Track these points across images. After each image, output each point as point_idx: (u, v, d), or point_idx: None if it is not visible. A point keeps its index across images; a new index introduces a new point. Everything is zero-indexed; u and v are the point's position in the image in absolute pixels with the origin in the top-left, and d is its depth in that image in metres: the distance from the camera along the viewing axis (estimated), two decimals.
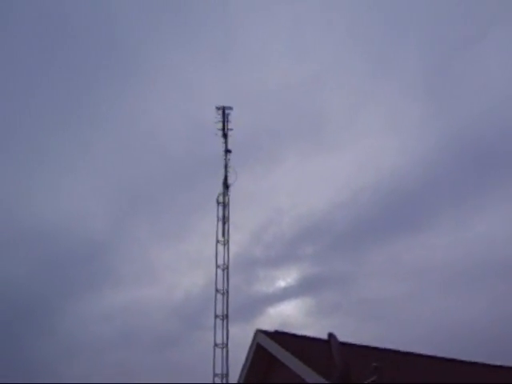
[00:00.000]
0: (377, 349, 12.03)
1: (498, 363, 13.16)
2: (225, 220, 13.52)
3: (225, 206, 13.65)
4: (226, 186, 13.91)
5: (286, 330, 12.35)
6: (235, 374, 12.28)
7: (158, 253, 33.23)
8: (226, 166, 14.18)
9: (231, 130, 14.42)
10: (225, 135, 14.44)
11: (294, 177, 31.60)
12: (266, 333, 11.91)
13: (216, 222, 13.56)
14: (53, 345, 29.78)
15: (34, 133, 32.69)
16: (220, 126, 14.42)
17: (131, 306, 31.23)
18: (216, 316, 12.57)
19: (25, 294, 29.24)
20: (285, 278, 33.15)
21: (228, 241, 13.30)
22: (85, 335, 30.13)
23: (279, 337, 11.73)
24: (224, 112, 14.45)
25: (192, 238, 31.12)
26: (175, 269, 33.21)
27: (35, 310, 29.95)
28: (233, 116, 14.66)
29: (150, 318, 31.15)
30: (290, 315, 32.60)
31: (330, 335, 9.54)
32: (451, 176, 30.82)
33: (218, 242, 13.35)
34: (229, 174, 14.07)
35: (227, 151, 14.33)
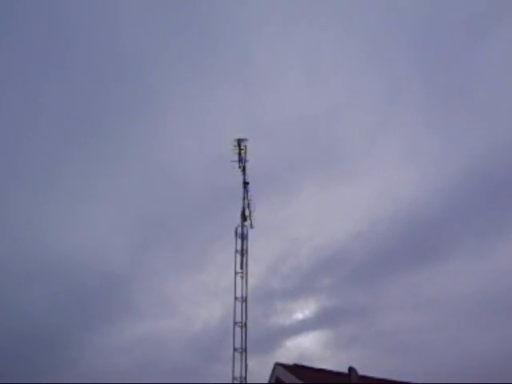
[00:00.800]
0: (395, 382, 11.93)
1: None
2: (243, 252, 13.52)
3: (243, 237, 13.64)
4: (244, 217, 13.84)
5: (303, 362, 12.47)
6: None
7: (177, 284, 33.14)
8: (244, 198, 14.08)
9: (247, 161, 14.48)
10: (243, 168, 14.53)
11: (312, 207, 30.75)
12: (284, 366, 11.95)
13: (234, 254, 13.60)
14: (73, 376, 29.73)
15: (50, 164, 33.06)
16: (236, 157, 14.53)
17: (149, 338, 31.11)
18: (235, 349, 12.46)
19: (45, 327, 29.16)
20: (302, 310, 32.26)
21: (246, 273, 13.27)
22: (104, 366, 30.07)
23: (298, 370, 11.82)
24: (239, 144, 14.52)
25: (210, 270, 30.98)
26: (193, 300, 33.07)
27: (55, 342, 29.94)
28: (250, 147, 14.74)
29: (168, 350, 31.03)
30: (308, 348, 31.78)
31: (351, 369, 9.52)
32: (472, 205, 30.14)
33: (236, 273, 13.30)
34: (246, 206, 14.10)
35: (245, 183, 14.36)
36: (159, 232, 32.64)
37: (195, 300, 32.93)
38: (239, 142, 14.44)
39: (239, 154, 14.52)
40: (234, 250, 13.66)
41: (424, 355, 27.45)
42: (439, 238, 30.41)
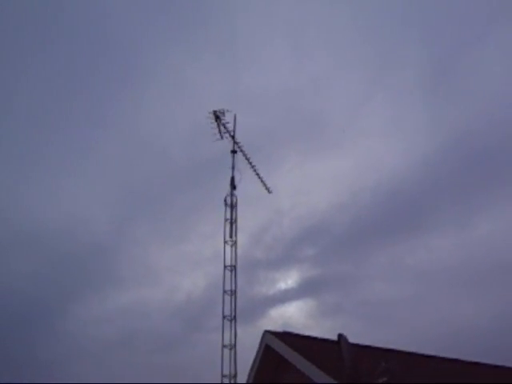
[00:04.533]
0: (385, 349, 12.09)
1: (502, 363, 13.27)
2: (232, 221, 13.51)
3: (232, 206, 13.64)
4: (233, 186, 13.83)
5: (288, 331, 12.37)
6: (242, 375, 12.32)
7: (160, 254, 33.31)
8: (232, 167, 14.09)
9: (225, 132, 14.43)
10: (232, 136, 14.43)
11: (295, 178, 31.10)
12: (274, 333, 11.99)
13: (223, 223, 13.49)
14: (57, 345, 29.78)
15: (32, 135, 32.73)
16: (217, 129, 14.48)
17: (133, 307, 31.28)
18: (224, 317, 12.56)
19: (27, 296, 29.25)
20: (285, 280, 32.85)
21: (236, 241, 13.31)
22: (87, 336, 30.15)
23: (287, 337, 11.88)
24: (216, 116, 14.41)
25: (193, 240, 31.20)
26: (176, 270, 33.28)
27: (38, 311, 30.00)
28: (230, 117, 14.67)
29: (152, 320, 31.19)
30: (292, 317, 32.18)
31: (340, 336, 9.60)
32: (453, 177, 30.48)
33: (225, 242, 13.30)
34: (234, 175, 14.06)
35: (233, 152, 14.30)
36: (142, 202, 32.68)
37: (178, 270, 33.15)
38: (215, 113, 14.33)
39: (218, 125, 14.41)
40: (222, 219, 13.63)
41: (405, 325, 27.92)
42: (421, 210, 30.82)
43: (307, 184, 31.05)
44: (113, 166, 33.53)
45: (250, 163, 14.42)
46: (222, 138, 14.47)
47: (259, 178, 14.52)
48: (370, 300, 30.30)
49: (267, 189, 14.61)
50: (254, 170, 14.46)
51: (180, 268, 34.35)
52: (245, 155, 14.36)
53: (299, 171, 30.90)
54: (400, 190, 30.18)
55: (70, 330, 30.61)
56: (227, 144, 14.48)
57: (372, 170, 32.50)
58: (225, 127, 14.45)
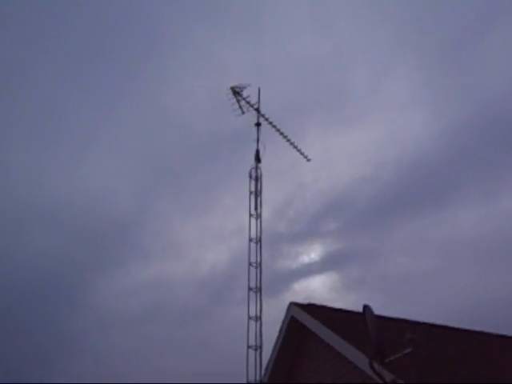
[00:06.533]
0: (410, 321, 12.17)
1: None
2: (257, 193, 13.58)
3: (257, 179, 13.69)
4: (258, 159, 13.88)
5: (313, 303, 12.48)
6: (267, 346, 12.48)
7: (183, 228, 33.58)
8: (257, 140, 14.11)
9: (248, 107, 14.39)
10: (257, 110, 14.42)
11: (317, 151, 31.22)
12: (299, 305, 12.12)
13: (248, 196, 13.56)
14: (84, 318, 30.36)
15: (51, 110, 32.93)
16: (237, 105, 14.46)
17: (157, 281, 31.65)
18: (250, 289, 12.69)
19: (50, 273, 29.76)
20: (309, 254, 33.04)
21: (261, 214, 13.38)
22: (111, 310, 30.64)
23: (313, 309, 12.00)
24: (236, 92, 14.36)
25: (215, 213, 31.35)
26: (200, 243, 33.51)
27: (62, 287, 30.50)
28: (252, 91, 14.64)
29: (176, 293, 31.57)
30: (315, 290, 32.53)
31: (365, 307, 9.70)
32: (477, 149, 30.00)
33: (250, 215, 13.40)
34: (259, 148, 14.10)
35: (258, 125, 14.29)
36: (164, 175, 32.84)
37: (202, 243, 33.31)
38: (233, 89, 14.29)
39: (238, 101, 14.32)
40: (245, 193, 13.66)
41: (429, 298, 27.93)
42: (444, 183, 30.55)
43: (329, 157, 30.91)
44: (134, 140, 33.64)
45: (282, 133, 14.41)
46: (243, 112, 14.41)
47: (294, 146, 14.51)
48: (393, 274, 30.34)
49: (305, 157, 14.62)
50: (288, 140, 14.43)
51: (203, 241, 34.56)
52: (274, 126, 14.33)
53: (321, 144, 30.75)
54: (423, 161, 29.90)
55: (93, 304, 31.10)
56: (251, 117, 14.46)
57: (395, 142, 32.25)
58: (246, 101, 14.41)
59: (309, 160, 14.54)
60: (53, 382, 26.08)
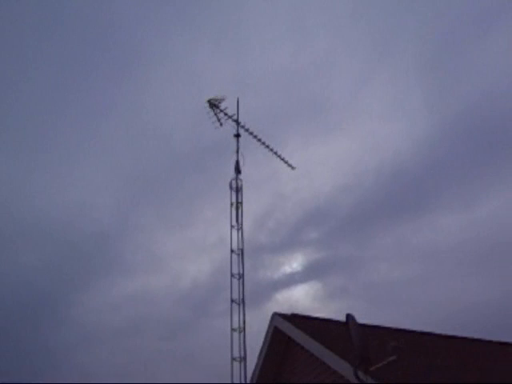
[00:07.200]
0: (393, 329, 12.14)
1: (510, 341, 13.36)
2: (238, 205, 13.54)
3: (237, 191, 13.64)
4: (238, 170, 13.83)
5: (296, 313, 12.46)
6: (251, 358, 12.42)
7: (165, 241, 33.39)
8: (237, 151, 14.09)
9: (227, 119, 14.31)
10: (236, 121, 14.40)
11: (297, 160, 31.31)
12: (283, 316, 12.06)
13: (229, 208, 13.46)
14: (69, 332, 30.05)
15: (33, 125, 32.75)
16: (215, 118, 14.40)
17: (139, 294, 31.43)
18: (232, 300, 12.64)
19: (34, 287, 29.45)
20: (290, 264, 33.00)
21: (242, 225, 13.34)
22: (94, 324, 30.35)
23: (296, 319, 11.97)
24: (212, 105, 14.30)
25: (197, 225, 31.28)
26: (181, 256, 33.40)
27: (45, 301, 30.20)
28: (231, 102, 14.62)
29: (159, 306, 31.37)
30: (298, 300, 32.47)
31: (348, 316, 9.61)
32: (456, 156, 30.29)
33: (232, 226, 13.35)
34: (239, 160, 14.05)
35: (237, 136, 14.25)
36: (146, 189, 32.69)
37: (184, 256, 33.19)
38: (210, 102, 14.25)
39: (215, 114, 14.27)
40: (226, 204, 13.57)
41: (412, 305, 28.02)
42: (425, 190, 30.83)
43: (310, 167, 30.95)
44: (116, 153, 33.54)
45: (264, 143, 14.40)
46: (221, 124, 14.36)
47: (278, 156, 14.51)
48: (376, 281, 30.43)
49: (290, 165, 14.62)
50: (271, 150, 14.45)
51: (185, 254, 34.51)
52: (255, 137, 14.31)
53: (302, 154, 30.70)
54: (403, 170, 30.21)
55: (78, 318, 30.80)
56: (231, 129, 14.42)
57: (375, 151, 32.46)
58: (225, 113, 14.37)
59: (293, 168, 14.56)
60: None
